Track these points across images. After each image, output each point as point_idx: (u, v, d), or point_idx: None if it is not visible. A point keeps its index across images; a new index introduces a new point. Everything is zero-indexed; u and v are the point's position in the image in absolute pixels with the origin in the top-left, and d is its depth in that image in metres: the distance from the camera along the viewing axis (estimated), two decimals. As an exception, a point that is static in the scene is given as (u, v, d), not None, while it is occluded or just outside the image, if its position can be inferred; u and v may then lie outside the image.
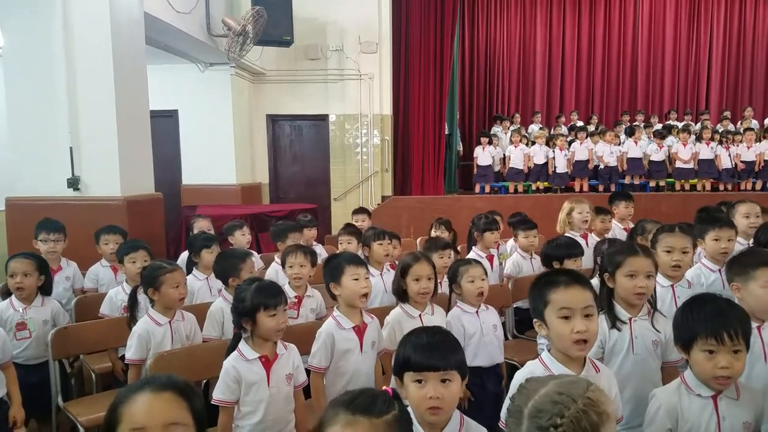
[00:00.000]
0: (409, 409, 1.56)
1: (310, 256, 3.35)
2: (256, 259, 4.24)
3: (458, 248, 4.40)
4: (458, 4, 9.24)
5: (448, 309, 2.97)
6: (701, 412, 1.74)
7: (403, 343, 1.68)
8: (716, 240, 3.00)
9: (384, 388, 1.31)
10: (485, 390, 2.77)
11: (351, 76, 8.71)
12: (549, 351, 1.82)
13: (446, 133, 9.32)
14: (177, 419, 1.23)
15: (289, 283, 3.30)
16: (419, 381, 1.59)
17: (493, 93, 11.29)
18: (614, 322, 2.21)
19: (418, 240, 5.40)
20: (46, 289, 3.17)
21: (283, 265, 3.33)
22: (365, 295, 2.57)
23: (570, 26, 11.27)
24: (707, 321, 1.72)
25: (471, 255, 4.13)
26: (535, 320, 1.84)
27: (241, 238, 4.45)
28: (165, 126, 7.87)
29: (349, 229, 4.54)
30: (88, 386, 3.34)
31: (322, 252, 4.84)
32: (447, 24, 8.97)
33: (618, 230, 4.75)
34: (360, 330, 2.56)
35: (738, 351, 1.69)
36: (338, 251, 4.07)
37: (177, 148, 8.23)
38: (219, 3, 7.13)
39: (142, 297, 2.89)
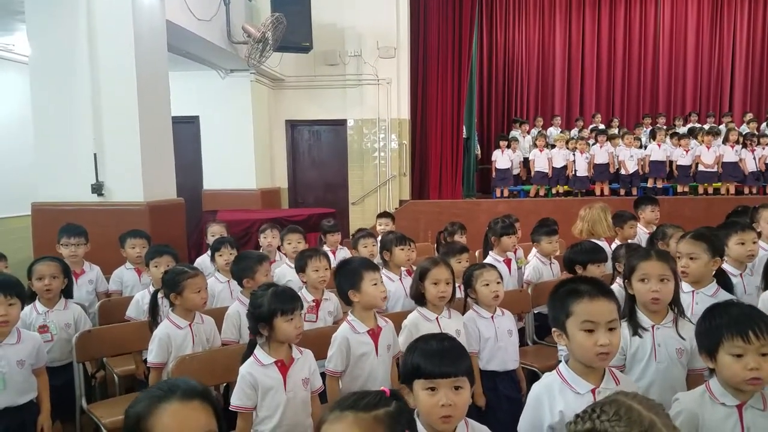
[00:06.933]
0: (416, 417, 1.54)
1: (328, 259, 3.39)
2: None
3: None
4: (476, 7, 9.21)
5: (463, 313, 2.96)
6: (724, 421, 1.70)
7: (410, 351, 1.66)
8: (741, 243, 2.98)
9: (381, 388, 1.31)
10: (498, 394, 2.78)
11: (369, 81, 8.73)
12: (566, 362, 1.77)
13: (464, 136, 9.29)
14: (209, 426, 1.21)
15: (306, 287, 3.31)
16: (431, 389, 1.57)
17: (512, 96, 11.22)
18: (636, 329, 2.17)
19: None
20: (67, 293, 3.24)
21: (303, 270, 3.33)
22: (385, 298, 2.67)
23: (589, 28, 11.15)
24: (732, 323, 1.68)
25: (488, 260, 4.11)
26: (554, 330, 1.78)
27: (273, 240, 4.53)
28: (186, 132, 7.97)
29: (365, 232, 4.55)
30: (111, 388, 3.39)
31: (348, 255, 4.83)
32: (465, 28, 8.96)
33: (643, 235, 4.68)
34: (375, 333, 2.57)
35: (767, 353, 1.64)
36: (355, 255, 4.07)
37: (198, 153, 8.34)
38: (239, 10, 7.22)
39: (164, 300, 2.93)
